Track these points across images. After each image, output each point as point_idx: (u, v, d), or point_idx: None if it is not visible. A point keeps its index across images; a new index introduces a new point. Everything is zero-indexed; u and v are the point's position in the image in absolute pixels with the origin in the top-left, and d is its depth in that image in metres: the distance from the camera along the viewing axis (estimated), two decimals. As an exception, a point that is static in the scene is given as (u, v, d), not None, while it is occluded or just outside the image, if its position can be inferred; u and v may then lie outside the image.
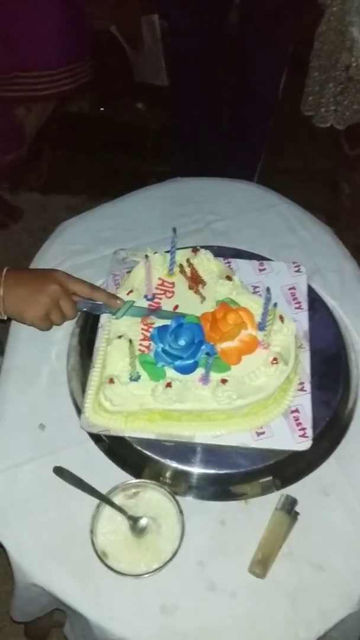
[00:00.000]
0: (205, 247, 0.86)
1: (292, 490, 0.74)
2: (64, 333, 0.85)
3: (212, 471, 0.75)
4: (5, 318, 0.80)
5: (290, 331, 0.77)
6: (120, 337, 0.75)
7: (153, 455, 0.74)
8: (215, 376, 0.73)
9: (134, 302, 0.80)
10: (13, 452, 0.76)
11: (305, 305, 0.85)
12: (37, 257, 0.94)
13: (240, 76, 1.59)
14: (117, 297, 0.80)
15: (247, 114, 1.64)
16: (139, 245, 0.92)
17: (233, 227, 0.98)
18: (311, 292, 0.87)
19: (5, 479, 0.74)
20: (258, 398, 0.72)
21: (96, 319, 0.82)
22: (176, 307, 0.80)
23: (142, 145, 1.97)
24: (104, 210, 1.02)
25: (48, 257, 0.94)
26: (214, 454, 0.75)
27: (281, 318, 0.77)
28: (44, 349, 0.84)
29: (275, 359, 0.73)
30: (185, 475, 0.75)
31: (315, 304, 0.87)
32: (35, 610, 0.79)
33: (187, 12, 1.51)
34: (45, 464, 0.74)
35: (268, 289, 0.74)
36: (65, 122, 1.98)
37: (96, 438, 0.76)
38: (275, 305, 0.74)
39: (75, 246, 0.95)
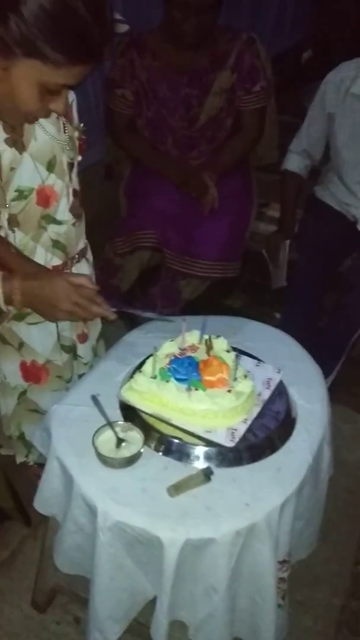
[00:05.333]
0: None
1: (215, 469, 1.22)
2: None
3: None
4: None
5: (248, 385, 1.29)
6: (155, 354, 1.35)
7: (144, 419, 1.29)
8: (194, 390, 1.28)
9: None
10: (77, 399, 1.36)
11: (272, 387, 1.37)
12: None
13: (339, 297, 2.25)
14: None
15: (335, 326, 2.25)
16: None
17: (258, 347, 1.54)
18: (281, 384, 1.40)
19: (66, 410, 1.34)
20: (211, 408, 1.25)
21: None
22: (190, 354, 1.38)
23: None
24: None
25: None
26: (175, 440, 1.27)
27: (246, 377, 1.31)
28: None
29: (229, 390, 1.26)
30: (153, 435, 1.27)
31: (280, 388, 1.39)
32: (52, 496, 1.31)
33: (312, 255, 2.29)
34: (90, 411, 1.32)
35: (237, 355, 1.30)
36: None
37: (122, 405, 1.34)
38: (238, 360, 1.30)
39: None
